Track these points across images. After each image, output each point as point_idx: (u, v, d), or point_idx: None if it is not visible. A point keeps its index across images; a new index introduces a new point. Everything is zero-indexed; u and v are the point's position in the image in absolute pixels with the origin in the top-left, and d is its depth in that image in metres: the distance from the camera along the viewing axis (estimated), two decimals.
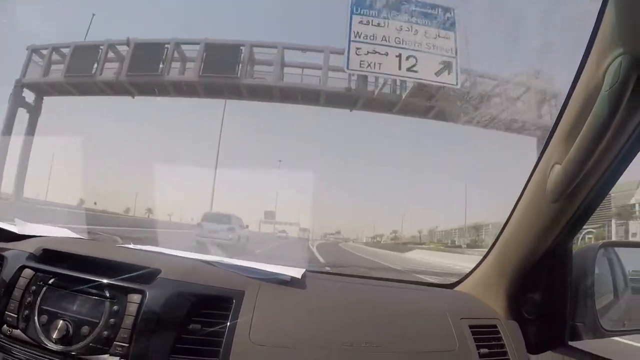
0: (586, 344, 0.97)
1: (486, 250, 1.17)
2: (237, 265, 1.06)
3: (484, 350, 0.97)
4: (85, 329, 0.83)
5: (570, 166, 0.78)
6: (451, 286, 1.30)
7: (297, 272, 1.05)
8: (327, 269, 1.45)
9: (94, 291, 0.87)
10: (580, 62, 0.74)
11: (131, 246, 1.18)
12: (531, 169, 0.94)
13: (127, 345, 0.80)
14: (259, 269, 1.04)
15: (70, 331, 0.82)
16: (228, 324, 0.87)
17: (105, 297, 0.86)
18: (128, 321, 0.82)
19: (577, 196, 0.85)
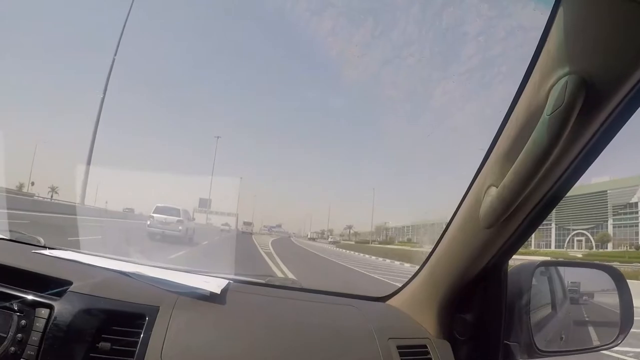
0: None
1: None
2: (154, 277, 1.08)
3: None
4: None
5: (505, 193, 0.80)
6: (383, 299, 1.36)
7: (217, 286, 1.08)
8: (252, 278, 1.48)
9: (1, 303, 0.90)
10: (522, 80, 0.76)
11: (47, 252, 1.20)
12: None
13: None
14: (176, 283, 1.06)
15: None
16: (139, 342, 0.89)
17: (14, 311, 0.89)
18: (35, 337, 0.85)
19: (513, 222, 0.88)
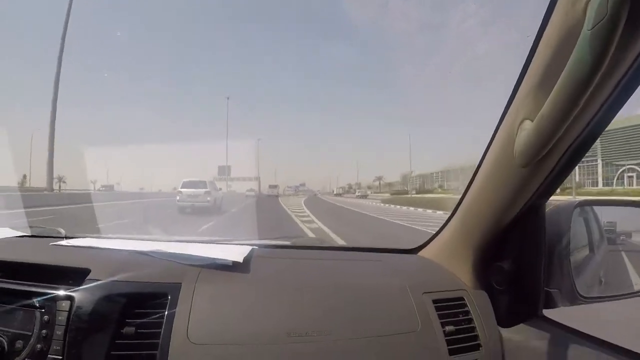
0: (562, 311, 1.03)
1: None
2: (174, 253, 1.10)
3: (449, 328, 1.03)
4: (19, 343, 0.89)
5: (544, 125, 0.75)
6: (414, 251, 1.35)
7: (240, 254, 1.09)
8: (276, 241, 1.49)
9: (23, 301, 0.93)
10: None
11: (64, 242, 1.24)
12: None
13: (60, 357, 0.86)
14: (197, 256, 1.08)
15: (6, 347, 0.88)
16: (164, 322, 0.91)
17: (35, 307, 0.92)
18: (59, 332, 0.88)
19: (552, 157, 0.83)
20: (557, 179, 0.90)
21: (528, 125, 0.81)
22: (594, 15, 0.59)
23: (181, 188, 15.89)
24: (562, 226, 1.01)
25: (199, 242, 1.31)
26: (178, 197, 15.73)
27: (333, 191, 64.41)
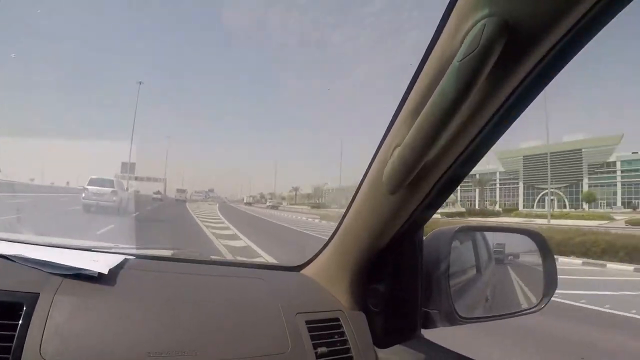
0: (442, 331, 1.09)
1: None
2: (38, 259, 1.03)
3: (322, 350, 1.03)
4: None
5: (407, 154, 0.78)
6: (298, 268, 1.36)
7: (106, 266, 1.04)
8: (155, 252, 1.43)
9: None
10: (438, 26, 0.71)
11: None
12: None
13: None
14: (61, 264, 1.01)
15: None
16: (16, 336, 0.85)
17: None
18: None
19: (422, 186, 0.87)
20: (430, 206, 0.96)
21: (397, 152, 0.84)
22: (467, 47, 0.62)
23: (88, 185, 15.97)
24: (441, 250, 1.06)
25: (72, 248, 1.23)
26: (83, 194, 15.78)
27: (243, 199, 63.98)
